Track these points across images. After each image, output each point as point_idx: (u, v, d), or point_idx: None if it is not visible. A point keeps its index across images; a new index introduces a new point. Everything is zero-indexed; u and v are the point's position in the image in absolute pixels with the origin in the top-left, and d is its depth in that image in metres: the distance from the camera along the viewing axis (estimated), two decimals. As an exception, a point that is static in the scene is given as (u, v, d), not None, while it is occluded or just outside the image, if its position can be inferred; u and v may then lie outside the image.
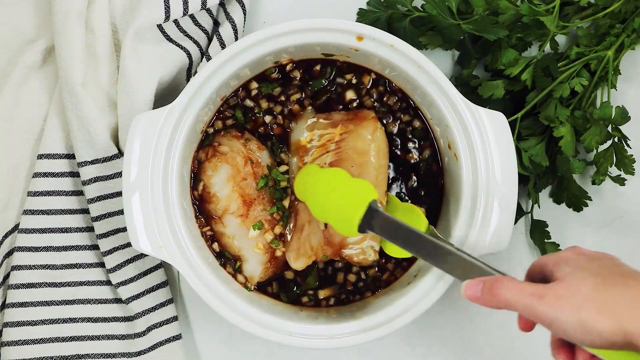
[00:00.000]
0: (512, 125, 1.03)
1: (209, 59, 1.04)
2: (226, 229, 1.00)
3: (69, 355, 1.05)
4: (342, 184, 0.92)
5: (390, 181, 1.02)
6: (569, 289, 0.74)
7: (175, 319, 1.07)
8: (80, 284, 1.06)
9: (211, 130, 1.01)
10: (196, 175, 1.00)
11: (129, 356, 1.05)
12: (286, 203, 1.00)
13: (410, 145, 1.02)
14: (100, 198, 1.03)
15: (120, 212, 1.04)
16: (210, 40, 1.07)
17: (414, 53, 0.95)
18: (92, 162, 1.01)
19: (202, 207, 1.00)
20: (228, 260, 1.00)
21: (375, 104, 1.01)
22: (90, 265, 1.06)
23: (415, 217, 0.95)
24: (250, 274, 1.00)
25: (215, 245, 1.01)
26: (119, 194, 1.03)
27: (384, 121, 1.01)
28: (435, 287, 0.94)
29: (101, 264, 1.06)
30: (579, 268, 0.76)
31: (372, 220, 0.90)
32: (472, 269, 0.83)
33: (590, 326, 0.72)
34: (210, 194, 0.99)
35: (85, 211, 1.05)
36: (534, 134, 1.05)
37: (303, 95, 1.02)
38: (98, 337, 1.05)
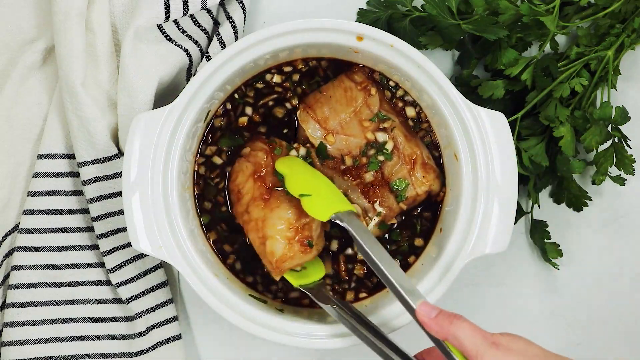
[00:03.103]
0: (512, 125, 1.03)
1: (209, 59, 1.04)
2: (252, 215, 0.97)
3: (69, 355, 1.05)
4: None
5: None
6: (520, 347, 0.78)
7: (175, 319, 1.07)
8: (80, 284, 1.06)
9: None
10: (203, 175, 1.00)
11: (129, 356, 1.05)
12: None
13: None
14: (100, 198, 1.03)
15: (120, 212, 1.04)
16: (210, 40, 1.07)
17: (414, 53, 0.95)
18: (92, 162, 1.01)
19: (233, 209, 1.00)
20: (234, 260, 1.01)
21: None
22: (90, 265, 1.06)
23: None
24: (278, 252, 0.96)
25: (214, 247, 1.01)
26: (119, 194, 1.03)
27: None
28: (435, 289, 0.94)
29: (101, 264, 1.06)
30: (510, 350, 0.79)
31: (345, 217, 0.92)
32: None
33: None
34: (240, 193, 0.98)
35: (85, 211, 1.05)
36: (534, 134, 1.05)
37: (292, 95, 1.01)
38: (98, 337, 1.05)
